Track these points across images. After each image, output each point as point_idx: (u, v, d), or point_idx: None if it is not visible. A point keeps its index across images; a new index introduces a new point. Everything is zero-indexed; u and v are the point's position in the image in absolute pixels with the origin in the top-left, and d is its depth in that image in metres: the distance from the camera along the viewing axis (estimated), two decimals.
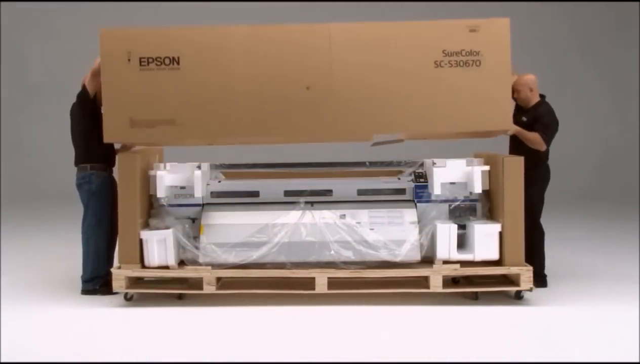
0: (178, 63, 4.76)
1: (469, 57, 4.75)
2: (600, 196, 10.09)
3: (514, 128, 5.04)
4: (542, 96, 5.26)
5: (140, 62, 4.76)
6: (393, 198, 5.07)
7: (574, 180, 10.82)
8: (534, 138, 5.06)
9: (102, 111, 4.86)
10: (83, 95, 5.01)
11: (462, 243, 4.91)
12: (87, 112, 4.99)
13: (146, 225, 4.93)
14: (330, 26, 4.82)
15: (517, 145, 5.20)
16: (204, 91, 4.79)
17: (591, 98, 11.80)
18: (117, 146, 5.28)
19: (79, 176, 5.11)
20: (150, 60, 4.76)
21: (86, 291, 5.09)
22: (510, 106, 4.94)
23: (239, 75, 4.80)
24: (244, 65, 4.80)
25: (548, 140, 5.10)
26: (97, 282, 5.07)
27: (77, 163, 5.14)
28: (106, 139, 4.84)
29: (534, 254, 5.04)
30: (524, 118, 5.17)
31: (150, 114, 4.78)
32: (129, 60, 4.74)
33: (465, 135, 5.08)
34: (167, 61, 4.77)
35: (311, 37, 4.80)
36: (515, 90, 5.15)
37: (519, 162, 4.81)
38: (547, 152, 5.21)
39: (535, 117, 5.14)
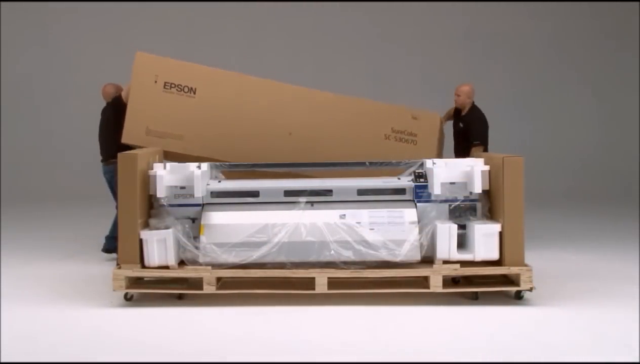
0: (194, 93, 5.87)
1: (409, 136, 6.06)
2: (600, 196, 10.08)
3: None
4: (472, 103, 6.23)
5: (164, 85, 5.84)
6: (393, 198, 5.06)
7: (574, 179, 10.83)
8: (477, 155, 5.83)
9: (126, 116, 5.84)
10: (119, 103, 5.99)
11: (462, 243, 4.91)
12: (120, 117, 5.89)
13: (146, 225, 4.94)
14: (316, 92, 6.13)
15: (457, 148, 6.26)
16: (211, 119, 5.86)
17: (592, 97, 11.80)
18: None
19: (113, 168, 5.55)
20: (173, 85, 5.86)
21: None
22: None
23: (239, 112, 5.92)
24: (245, 105, 5.94)
25: (483, 142, 6.06)
26: None
27: (109, 157, 5.96)
28: (124, 140, 5.84)
29: None
30: (461, 125, 6.21)
31: (164, 128, 5.82)
32: (155, 81, 5.81)
33: None
34: (186, 89, 5.87)
35: (299, 97, 6.05)
36: (456, 95, 6.23)
37: (519, 162, 4.82)
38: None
39: (467, 122, 6.14)
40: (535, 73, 11.79)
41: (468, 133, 6.11)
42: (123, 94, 6.04)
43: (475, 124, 6.09)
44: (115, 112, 6.03)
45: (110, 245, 6.02)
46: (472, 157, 5.72)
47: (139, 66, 5.84)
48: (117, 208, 5.84)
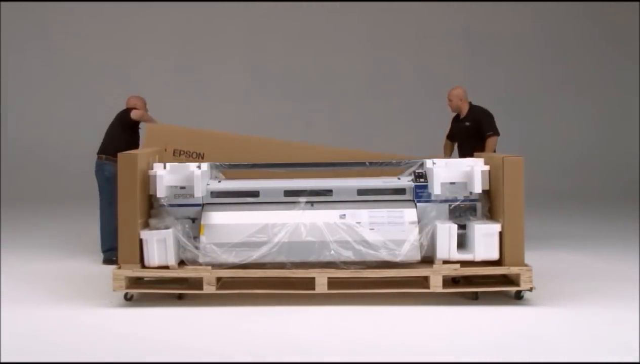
0: (202, 157, 5.97)
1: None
2: (600, 196, 10.09)
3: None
4: (470, 103, 6.28)
5: (174, 152, 6.03)
6: (393, 198, 5.06)
7: (574, 179, 10.84)
8: (493, 146, 6.05)
9: None
10: (126, 117, 6.26)
11: (462, 243, 4.91)
12: (124, 125, 6.26)
13: (146, 225, 4.94)
14: (324, 149, 6.32)
15: (465, 150, 6.19)
16: None
17: (591, 97, 11.81)
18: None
19: (96, 163, 6.27)
20: (182, 152, 6.05)
21: (106, 260, 5.97)
22: None
23: (245, 171, 5.76)
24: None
25: (496, 132, 6.10)
26: (113, 253, 5.68)
27: (100, 152, 6.27)
28: None
29: None
30: (467, 123, 6.21)
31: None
32: (165, 149, 5.95)
33: None
34: (194, 155, 6.01)
35: (307, 154, 5.91)
36: (448, 100, 6.30)
37: (519, 162, 4.82)
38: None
39: (474, 119, 6.17)
40: (535, 74, 11.80)
41: (478, 129, 6.13)
42: (133, 113, 6.20)
43: (483, 118, 6.16)
44: (120, 120, 6.31)
45: (109, 256, 6.03)
46: (489, 148, 5.98)
47: (149, 137, 6.08)
48: (100, 211, 6.20)
